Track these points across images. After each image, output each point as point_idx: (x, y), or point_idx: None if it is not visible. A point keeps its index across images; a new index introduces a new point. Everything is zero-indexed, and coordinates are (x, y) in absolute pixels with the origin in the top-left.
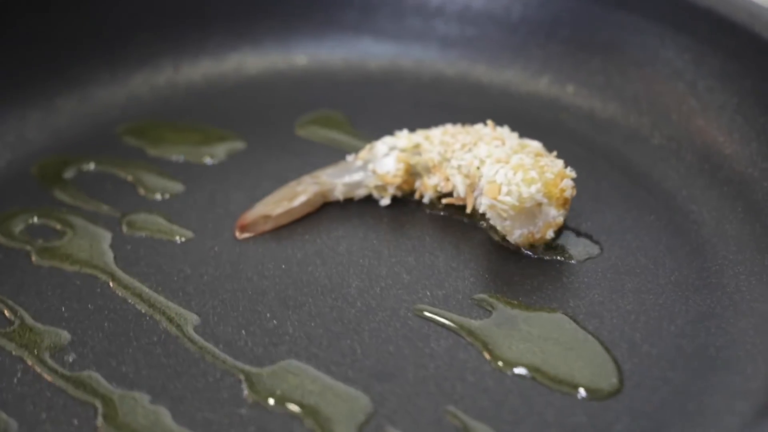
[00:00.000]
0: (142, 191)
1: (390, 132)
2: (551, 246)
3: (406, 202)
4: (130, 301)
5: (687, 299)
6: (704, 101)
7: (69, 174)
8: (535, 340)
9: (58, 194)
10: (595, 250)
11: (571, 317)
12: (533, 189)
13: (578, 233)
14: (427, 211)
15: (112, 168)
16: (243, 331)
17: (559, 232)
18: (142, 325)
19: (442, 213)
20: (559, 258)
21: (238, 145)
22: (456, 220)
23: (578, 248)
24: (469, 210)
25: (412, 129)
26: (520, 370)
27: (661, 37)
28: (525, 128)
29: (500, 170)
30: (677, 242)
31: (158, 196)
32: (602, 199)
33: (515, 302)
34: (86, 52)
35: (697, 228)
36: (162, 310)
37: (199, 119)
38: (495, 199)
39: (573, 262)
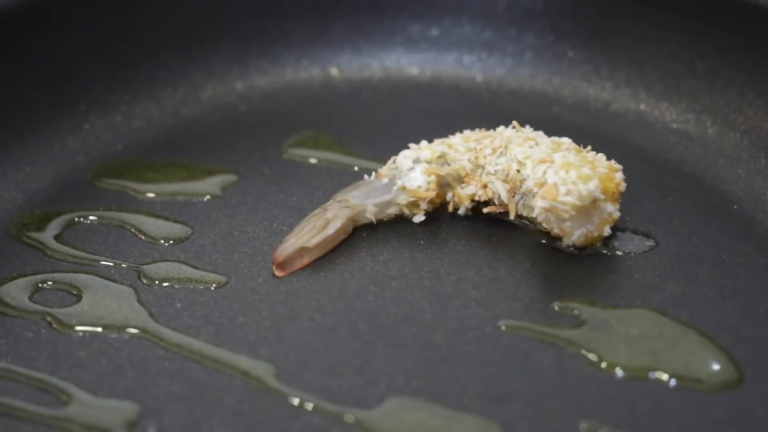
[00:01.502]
0: (145, 239)
1: (383, 145)
2: (607, 243)
3: (439, 215)
4: (190, 359)
5: (763, 279)
6: (706, 79)
7: (55, 230)
8: (638, 340)
9: (53, 254)
10: (650, 242)
11: (659, 312)
12: (592, 185)
13: (626, 227)
14: (464, 222)
15: (102, 217)
16: (331, 375)
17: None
18: (216, 383)
19: (479, 222)
20: (618, 253)
21: (229, 177)
22: (497, 227)
23: (633, 242)
24: (512, 216)
25: (408, 140)
26: (636, 373)
27: (648, 18)
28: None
29: (548, 170)
30: (725, 224)
31: (168, 242)
32: (633, 190)
33: (599, 304)
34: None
35: (737, 206)
36: (231, 365)
37: (174, 155)
38: (555, 200)
39: (632, 256)
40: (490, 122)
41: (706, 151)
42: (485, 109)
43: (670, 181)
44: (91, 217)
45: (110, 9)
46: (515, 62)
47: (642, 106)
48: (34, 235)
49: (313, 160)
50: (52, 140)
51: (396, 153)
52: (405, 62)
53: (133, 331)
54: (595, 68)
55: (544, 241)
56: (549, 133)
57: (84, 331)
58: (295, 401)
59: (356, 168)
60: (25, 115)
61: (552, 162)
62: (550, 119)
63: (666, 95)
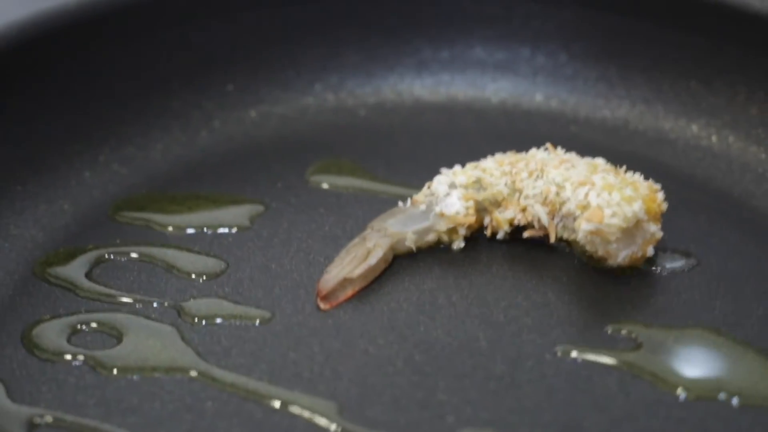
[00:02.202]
0: (180, 274)
1: (407, 170)
2: (650, 263)
3: (476, 240)
4: (247, 399)
5: None
6: (725, 95)
7: (82, 268)
8: (699, 360)
9: (85, 294)
10: (691, 260)
11: (714, 330)
12: (636, 207)
13: (666, 247)
14: (503, 247)
15: (130, 253)
16: (396, 409)
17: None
18: (279, 424)
19: (518, 247)
20: (662, 273)
21: (256, 207)
22: (536, 251)
23: (675, 261)
24: (553, 239)
25: (431, 164)
26: (701, 393)
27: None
28: (536, 148)
29: (590, 193)
30: (761, 239)
31: (202, 277)
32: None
33: (652, 325)
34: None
35: None
36: (291, 403)
37: (195, 186)
38: (601, 223)
39: (676, 275)
40: (510, 144)
41: (731, 167)
42: (502, 131)
43: (700, 198)
44: (119, 254)
45: (119, 40)
46: (529, 83)
47: (661, 124)
48: (61, 274)
49: (343, 188)
50: (69, 175)
51: (421, 177)
52: (418, 85)
53: (182, 373)
54: (611, 86)
55: (586, 264)
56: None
57: (130, 374)
58: None
59: (384, 195)
60: (39, 151)
61: (593, 184)
62: (569, 139)
63: (685, 112)
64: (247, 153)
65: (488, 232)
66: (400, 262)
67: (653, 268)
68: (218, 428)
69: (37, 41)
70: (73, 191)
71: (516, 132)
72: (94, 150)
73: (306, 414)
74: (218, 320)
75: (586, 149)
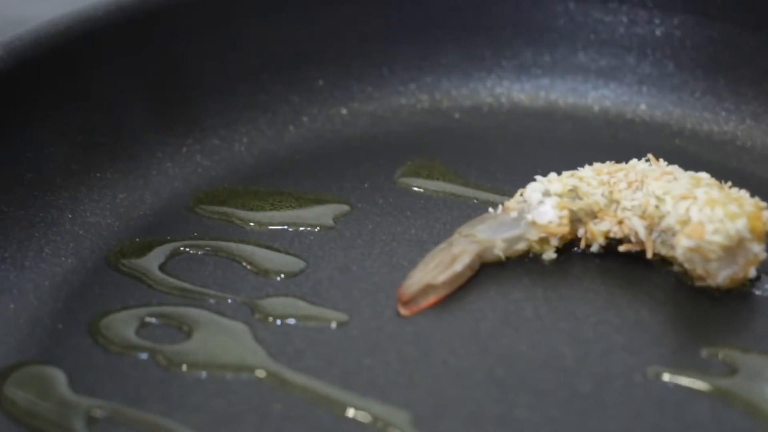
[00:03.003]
0: (256, 271)
1: (501, 176)
2: (752, 284)
3: (569, 252)
4: (317, 404)
5: None
6: None
7: (157, 260)
8: None
9: (157, 286)
10: None
11: None
12: (740, 224)
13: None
14: (597, 260)
15: (207, 247)
16: (471, 423)
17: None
18: (348, 430)
19: (612, 261)
20: (765, 296)
21: (341, 207)
22: (632, 266)
23: None
24: (650, 255)
25: (526, 171)
26: None
27: None
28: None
29: (692, 207)
30: None
31: (280, 276)
32: None
33: (751, 351)
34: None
35: None
36: (363, 410)
37: (280, 182)
38: (701, 239)
39: None
40: (610, 154)
41: None
42: (603, 141)
43: None
44: (196, 247)
45: (208, 31)
46: (634, 92)
47: None
48: (135, 264)
49: (428, 191)
50: (150, 165)
51: (514, 184)
52: (516, 89)
53: (252, 372)
54: (719, 100)
55: (684, 282)
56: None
57: (197, 371)
58: None
59: (476, 200)
60: (121, 139)
61: (695, 198)
62: (673, 152)
63: None
64: (334, 151)
65: (582, 244)
66: (486, 270)
67: (755, 290)
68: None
69: (124, 28)
70: (153, 181)
71: (617, 142)
72: (177, 141)
73: (378, 423)
74: (293, 320)
75: (690, 163)
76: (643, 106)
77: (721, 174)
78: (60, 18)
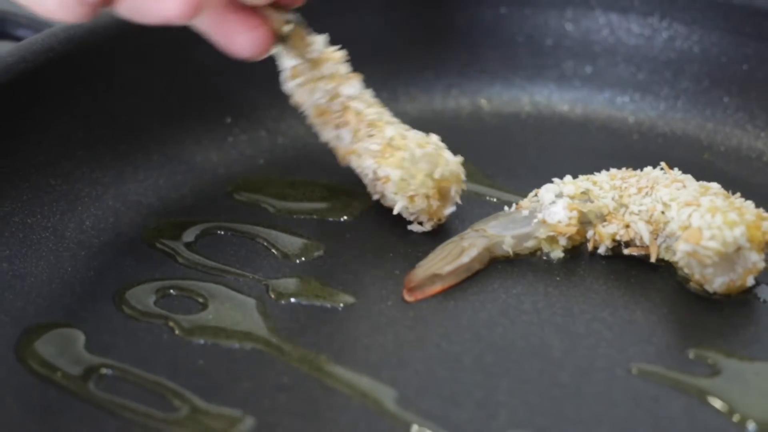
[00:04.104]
0: (278, 254)
1: (526, 179)
2: (750, 293)
3: (577, 253)
4: (309, 376)
5: None
6: None
7: (188, 239)
8: None
9: (183, 261)
10: None
11: None
12: (737, 232)
13: None
14: (603, 262)
15: (236, 230)
16: (451, 404)
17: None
18: (333, 402)
19: (619, 263)
20: (761, 304)
21: (368, 199)
22: (637, 269)
23: None
24: (653, 259)
25: (552, 175)
26: None
27: None
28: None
29: (694, 214)
30: None
31: (299, 259)
32: None
33: (736, 355)
34: (183, 109)
35: None
36: (351, 385)
37: (316, 175)
38: (698, 244)
39: None
40: (638, 164)
41: None
42: (634, 151)
43: None
44: (226, 229)
45: None
46: (668, 106)
47: None
48: (167, 242)
49: None
50: (195, 151)
51: (539, 187)
52: (556, 98)
53: (255, 343)
54: (751, 116)
55: (684, 287)
56: (698, 179)
57: (205, 339)
58: (413, 428)
59: (495, 199)
60: (169, 125)
61: (698, 205)
62: (700, 165)
63: None
64: None
65: (590, 246)
66: (495, 266)
67: (753, 298)
68: (274, 399)
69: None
70: (197, 167)
71: (648, 154)
72: (224, 130)
73: (360, 397)
74: (302, 300)
75: (714, 176)
76: (677, 120)
77: (743, 189)
78: None
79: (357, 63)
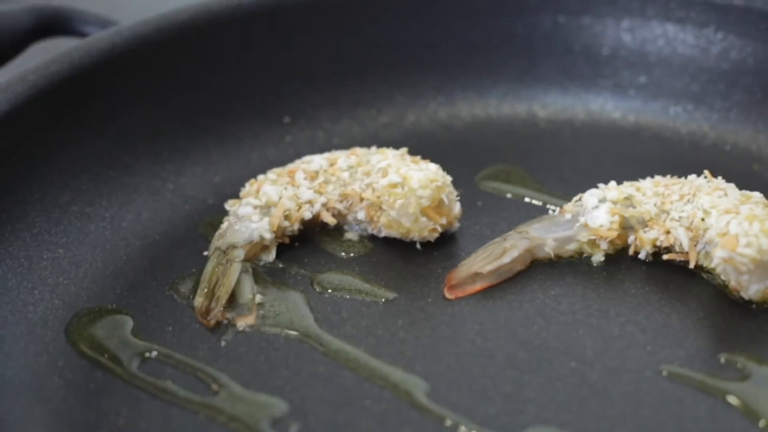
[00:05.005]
0: (325, 249)
1: (575, 184)
2: None
3: (618, 257)
4: (345, 367)
5: None
6: None
7: None
8: None
9: None
10: None
11: None
12: None
13: None
14: (643, 267)
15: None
16: (480, 397)
17: None
18: (365, 392)
19: (659, 268)
20: None
21: None
22: (676, 275)
23: None
24: (692, 265)
25: (596, 182)
26: None
27: None
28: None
29: (732, 221)
30: None
31: (346, 254)
32: None
33: (766, 361)
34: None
35: None
36: (384, 376)
37: None
38: (733, 251)
39: None
40: (686, 173)
41: None
42: (684, 161)
43: None
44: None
45: (323, 28)
46: (721, 117)
47: None
48: None
49: (502, 193)
50: (252, 149)
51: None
52: (610, 107)
53: (296, 333)
54: None
55: (722, 293)
56: (745, 190)
57: (248, 328)
58: (443, 420)
59: (541, 203)
60: (228, 123)
61: (737, 213)
62: (748, 176)
63: None
64: (426, 151)
65: (631, 251)
66: (536, 267)
67: None
68: (309, 387)
69: (242, 19)
70: (253, 164)
71: (697, 163)
72: (283, 129)
73: (392, 388)
74: (345, 294)
75: (764, 189)
76: (728, 131)
77: None
78: (192, 6)
79: (416, 68)
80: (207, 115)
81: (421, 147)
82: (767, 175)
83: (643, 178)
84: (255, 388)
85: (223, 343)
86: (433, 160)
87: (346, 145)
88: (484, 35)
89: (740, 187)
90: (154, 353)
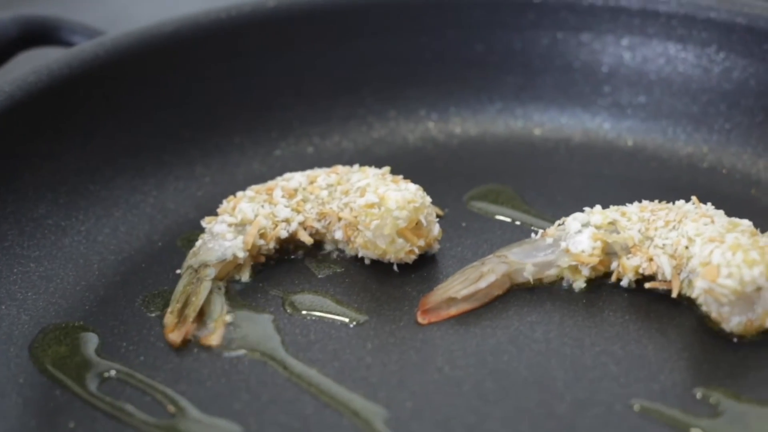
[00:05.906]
0: (305, 269)
1: (565, 207)
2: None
3: (600, 284)
4: (307, 392)
5: None
6: None
7: None
8: None
9: None
10: None
11: None
12: (756, 272)
13: None
14: (625, 294)
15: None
16: (441, 428)
17: None
18: (324, 419)
19: (642, 297)
20: None
21: None
22: (658, 304)
23: None
24: (675, 294)
25: (588, 204)
26: None
27: None
28: (713, 205)
29: (715, 251)
30: None
31: (322, 274)
32: None
33: (742, 397)
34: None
35: None
36: (345, 403)
37: None
38: (714, 282)
39: None
40: (683, 196)
41: None
42: (680, 183)
43: None
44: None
45: (314, 41)
46: (721, 139)
47: None
48: None
49: (489, 214)
50: (239, 163)
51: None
52: (608, 126)
53: (261, 355)
54: None
55: (703, 324)
56: (741, 215)
57: (213, 348)
58: None
59: (528, 225)
60: (214, 136)
61: (722, 242)
62: (746, 200)
63: None
64: (416, 168)
65: (613, 278)
66: (515, 292)
67: None
68: (267, 413)
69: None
70: (239, 179)
71: (695, 186)
72: (271, 144)
73: (351, 415)
74: (315, 315)
75: (760, 214)
76: (728, 154)
77: None
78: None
79: (410, 83)
80: (192, 129)
81: (413, 164)
82: (765, 200)
83: (639, 200)
84: (212, 411)
85: (186, 363)
86: (423, 178)
87: (336, 160)
88: (481, 51)
89: (737, 211)
90: (113, 372)
